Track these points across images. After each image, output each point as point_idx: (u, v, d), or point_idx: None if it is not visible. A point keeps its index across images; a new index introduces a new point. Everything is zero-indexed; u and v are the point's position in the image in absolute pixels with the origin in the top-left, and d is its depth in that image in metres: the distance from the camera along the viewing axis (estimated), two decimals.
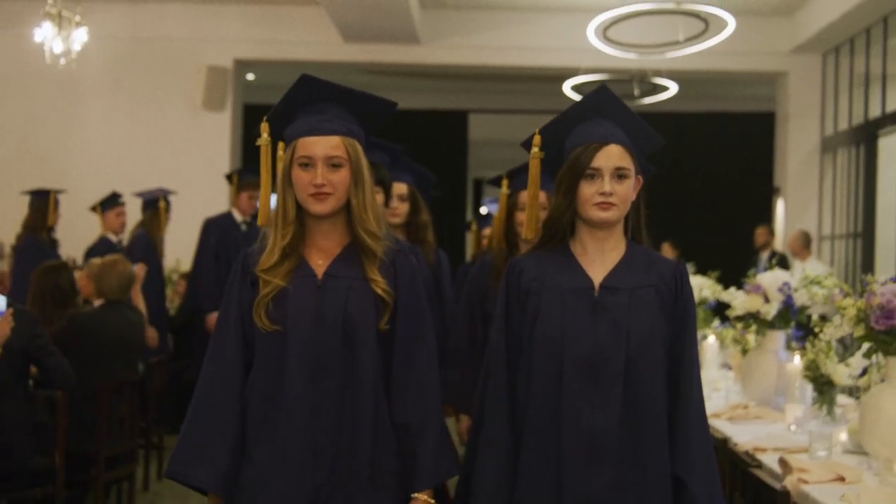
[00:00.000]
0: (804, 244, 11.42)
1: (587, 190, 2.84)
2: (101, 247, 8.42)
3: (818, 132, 12.65)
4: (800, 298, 5.27)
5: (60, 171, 11.74)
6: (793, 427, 4.65)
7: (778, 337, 5.35)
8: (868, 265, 11.02)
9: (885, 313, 3.63)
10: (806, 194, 12.72)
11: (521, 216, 4.43)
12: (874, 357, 4.02)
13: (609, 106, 2.93)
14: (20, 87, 12.07)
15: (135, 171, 11.62)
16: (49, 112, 12.14)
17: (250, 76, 13.74)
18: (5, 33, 11.83)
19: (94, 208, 8.67)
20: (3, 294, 5.26)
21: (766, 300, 5.29)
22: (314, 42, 12.32)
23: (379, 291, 2.87)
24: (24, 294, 6.51)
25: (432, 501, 2.89)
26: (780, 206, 13.03)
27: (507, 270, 2.98)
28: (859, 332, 3.80)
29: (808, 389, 4.95)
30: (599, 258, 2.91)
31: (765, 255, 11.93)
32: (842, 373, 4.73)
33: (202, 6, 12.32)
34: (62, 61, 9.51)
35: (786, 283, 5.27)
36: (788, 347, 5.38)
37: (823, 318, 4.98)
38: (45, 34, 9.38)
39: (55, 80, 11.54)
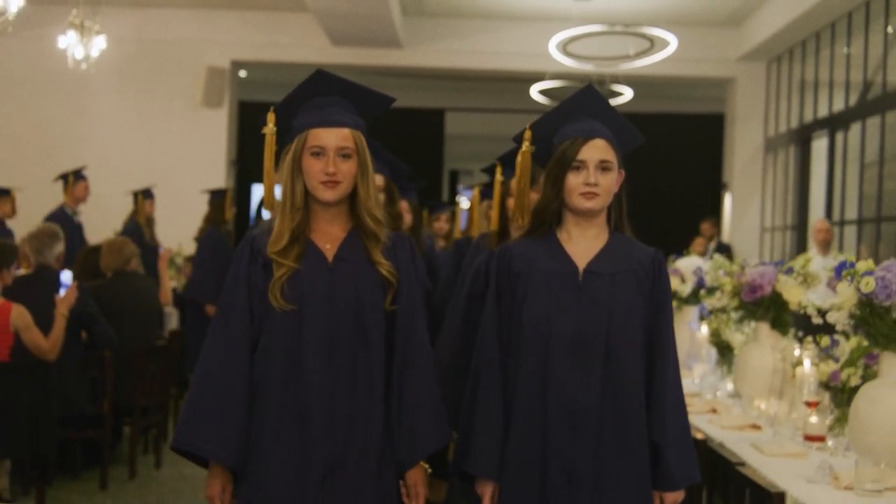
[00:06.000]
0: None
1: (573, 180, 3.00)
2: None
3: (762, 133, 13.91)
4: (710, 280, 6.50)
5: (72, 163, 12.65)
6: (696, 381, 5.88)
7: (692, 311, 6.58)
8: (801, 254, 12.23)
9: (750, 288, 4.87)
10: (750, 190, 13.98)
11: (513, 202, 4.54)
12: (749, 323, 5.26)
13: (594, 104, 3.10)
14: (36, 86, 13.15)
15: (140, 164, 12.79)
16: (62, 109, 13.21)
17: (242, 73, 14.79)
18: (22, 35, 12.84)
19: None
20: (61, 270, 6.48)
21: (683, 281, 6.53)
22: (305, 45, 13.38)
23: (384, 273, 3.00)
24: (208, 282, 7.88)
25: (426, 466, 3.05)
26: (727, 200, 14.29)
27: (498, 255, 3.12)
28: (734, 303, 5.05)
29: (714, 352, 6.17)
30: (584, 245, 3.05)
31: (712, 246, 13.17)
32: (738, 339, 5.96)
33: (203, 11, 13.42)
34: (83, 66, 10.61)
35: (699, 268, 6.51)
36: (701, 319, 6.61)
37: (710, 291, 6.13)
38: (69, 41, 10.49)
39: (68, 80, 12.52)
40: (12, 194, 9.61)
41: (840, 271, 3.53)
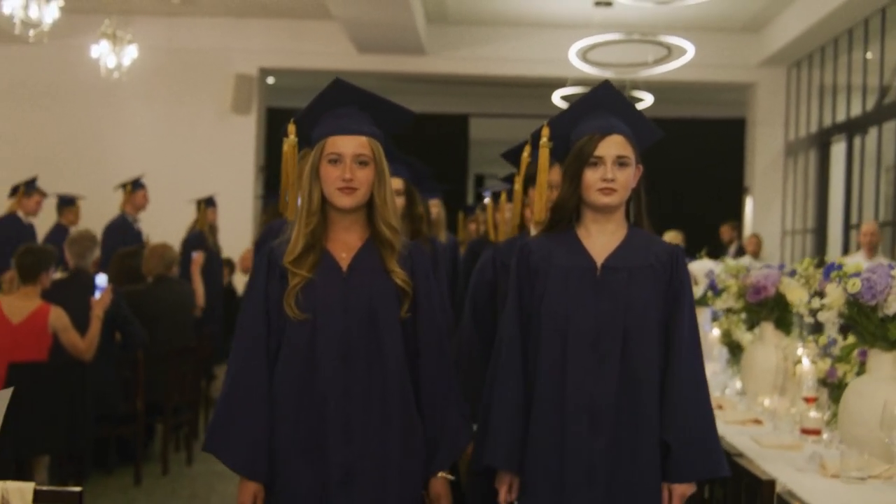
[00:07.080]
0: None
1: (591, 176, 3.03)
2: None
3: (782, 137, 14.06)
4: (721, 283, 6.69)
5: (105, 169, 12.98)
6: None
7: (704, 312, 6.77)
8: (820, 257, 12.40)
9: (755, 290, 5.07)
10: (772, 193, 14.14)
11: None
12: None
13: (611, 100, 3.14)
14: (69, 94, 13.45)
15: (171, 170, 13.08)
16: (94, 117, 13.53)
17: (270, 80, 15.05)
18: (55, 45, 13.16)
19: None
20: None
21: (696, 283, 6.72)
22: (331, 53, 13.66)
23: (399, 282, 3.03)
24: None
25: (451, 477, 3.11)
26: (749, 204, 14.45)
27: (518, 252, 3.16)
28: (739, 304, 5.25)
29: (725, 352, 6.36)
30: (602, 240, 3.08)
31: (732, 249, 13.31)
32: (748, 339, 6.14)
33: (231, 20, 13.70)
34: (115, 75, 10.93)
35: (710, 270, 6.70)
36: (713, 321, 6.80)
37: (720, 293, 6.32)
38: (101, 51, 10.81)
39: (100, 88, 12.80)
40: (77, 203, 9.92)
41: (829, 273, 3.73)
